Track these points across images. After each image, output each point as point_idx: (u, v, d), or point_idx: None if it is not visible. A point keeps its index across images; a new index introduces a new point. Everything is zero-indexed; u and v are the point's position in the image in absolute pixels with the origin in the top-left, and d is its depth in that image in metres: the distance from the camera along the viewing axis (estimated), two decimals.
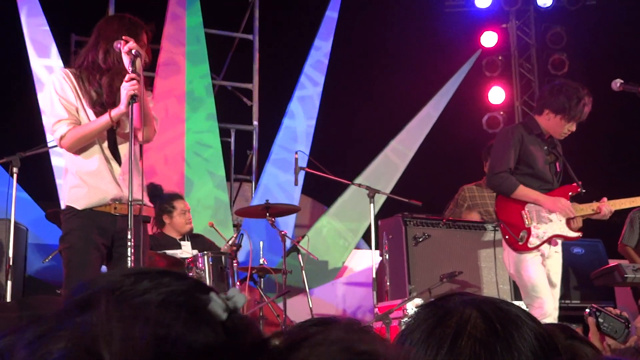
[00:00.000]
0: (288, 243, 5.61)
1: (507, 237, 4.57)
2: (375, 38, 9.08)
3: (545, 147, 4.67)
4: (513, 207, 4.59)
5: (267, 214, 5.46)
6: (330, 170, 5.64)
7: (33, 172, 6.01)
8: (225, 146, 7.68)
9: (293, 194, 7.39)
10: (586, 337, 1.84)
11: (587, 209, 4.60)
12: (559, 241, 4.62)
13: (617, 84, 4.53)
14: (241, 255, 5.77)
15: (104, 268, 3.61)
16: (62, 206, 3.60)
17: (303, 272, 5.50)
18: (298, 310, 5.99)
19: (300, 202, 7.49)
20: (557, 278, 4.59)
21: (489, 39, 9.43)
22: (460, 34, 9.47)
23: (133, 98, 3.31)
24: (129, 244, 3.23)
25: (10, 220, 4.82)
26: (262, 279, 5.64)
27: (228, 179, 7.69)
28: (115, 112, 3.41)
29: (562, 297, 4.85)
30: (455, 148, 8.49)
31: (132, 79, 3.32)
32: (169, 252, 5.28)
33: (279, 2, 8.61)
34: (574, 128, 4.60)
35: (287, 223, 7.19)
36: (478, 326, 0.94)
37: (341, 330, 0.69)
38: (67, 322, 0.63)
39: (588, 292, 6.16)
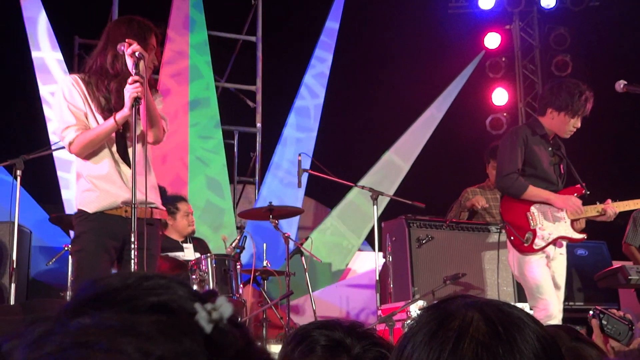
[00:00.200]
0: (291, 245, 5.61)
1: (512, 238, 4.57)
2: (378, 40, 9.08)
3: (550, 149, 4.67)
4: (518, 208, 4.59)
5: (271, 216, 5.46)
6: (334, 172, 5.64)
7: (37, 175, 6.03)
8: (228, 148, 7.69)
9: (296, 196, 7.39)
10: (591, 339, 1.83)
11: (592, 210, 4.59)
12: (564, 243, 4.62)
13: (620, 85, 4.52)
14: (244, 258, 5.77)
15: (113, 272, 3.62)
16: (75, 210, 3.62)
17: (306, 274, 5.50)
18: (301, 312, 6.00)
19: (304, 204, 7.48)
20: (561, 280, 4.58)
21: (492, 40, 9.43)
22: (463, 36, 9.47)
23: (136, 100, 3.33)
24: (132, 246, 3.25)
25: (13, 223, 4.83)
26: (265, 281, 5.64)
27: (231, 181, 7.70)
28: (119, 116, 3.42)
29: (566, 299, 4.84)
30: (458, 150, 8.49)
31: (135, 81, 3.34)
32: (172, 254, 5.29)
33: (282, 4, 8.62)
34: (578, 124, 4.59)
35: (290, 225, 7.19)
36: (480, 329, 0.94)
37: None
38: (60, 326, 0.63)
39: (592, 294, 6.15)
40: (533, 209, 4.57)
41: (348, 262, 7.59)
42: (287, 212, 5.88)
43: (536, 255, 4.50)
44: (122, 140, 3.55)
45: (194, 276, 4.82)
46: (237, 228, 7.20)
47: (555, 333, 1.61)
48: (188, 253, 5.52)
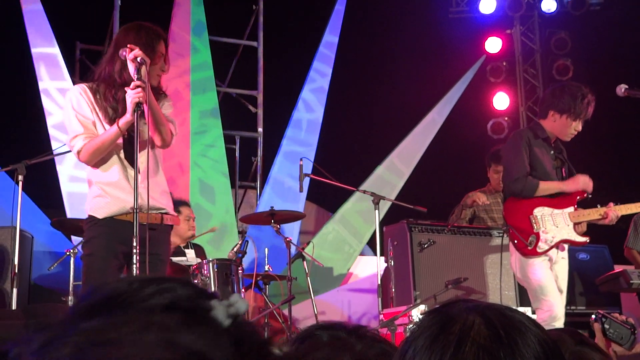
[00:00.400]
0: (293, 250, 5.61)
1: (515, 241, 4.57)
2: (379, 44, 9.09)
3: (552, 152, 4.67)
4: (521, 212, 4.59)
5: (272, 221, 5.46)
6: (335, 176, 5.64)
7: (38, 180, 6.03)
8: (230, 153, 7.69)
9: (298, 201, 7.39)
10: (595, 343, 1.83)
11: (594, 214, 4.59)
12: (566, 246, 4.62)
13: (622, 89, 4.52)
14: (246, 262, 5.77)
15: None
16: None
17: (308, 278, 5.50)
18: (303, 316, 5.99)
19: (305, 208, 7.48)
20: (563, 284, 4.58)
21: (493, 44, 9.43)
22: (464, 40, 9.48)
23: (138, 105, 3.34)
24: (134, 251, 3.26)
25: (15, 228, 4.83)
26: (267, 286, 5.64)
27: (233, 185, 7.70)
28: (122, 122, 3.44)
29: (568, 303, 4.83)
30: (460, 154, 8.49)
31: (137, 86, 3.35)
32: (174, 259, 5.29)
33: (284, 9, 8.64)
34: (580, 127, 4.60)
35: (292, 230, 7.19)
36: (481, 332, 0.94)
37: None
38: (72, 329, 0.63)
39: (594, 298, 6.13)
40: (536, 212, 4.57)
41: (350, 267, 7.58)
42: (289, 216, 5.88)
43: (539, 258, 4.50)
44: (129, 146, 3.56)
45: (196, 281, 4.82)
46: (239, 233, 7.19)
47: (559, 337, 1.61)
48: (190, 258, 5.52)
